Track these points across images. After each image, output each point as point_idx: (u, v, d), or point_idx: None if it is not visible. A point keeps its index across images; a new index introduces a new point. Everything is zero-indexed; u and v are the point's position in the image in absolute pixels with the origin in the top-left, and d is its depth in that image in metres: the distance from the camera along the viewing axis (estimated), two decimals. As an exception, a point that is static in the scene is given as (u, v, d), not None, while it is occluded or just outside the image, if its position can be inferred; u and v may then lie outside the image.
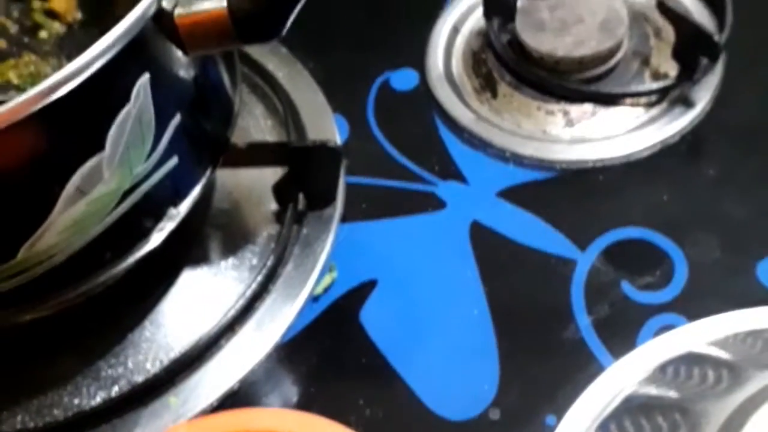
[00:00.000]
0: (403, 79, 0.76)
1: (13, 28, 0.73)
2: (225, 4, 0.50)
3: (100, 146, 0.48)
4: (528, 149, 0.69)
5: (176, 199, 0.57)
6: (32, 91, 0.43)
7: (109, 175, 0.50)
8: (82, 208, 0.50)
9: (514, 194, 0.67)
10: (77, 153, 0.48)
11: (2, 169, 0.46)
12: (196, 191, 0.58)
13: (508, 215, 0.66)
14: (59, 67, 0.69)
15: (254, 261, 0.64)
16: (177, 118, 0.53)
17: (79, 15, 0.72)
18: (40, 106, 0.44)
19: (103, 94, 0.47)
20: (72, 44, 0.71)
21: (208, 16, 0.50)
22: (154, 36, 0.49)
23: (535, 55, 0.72)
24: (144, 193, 0.53)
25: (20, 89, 0.57)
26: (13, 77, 0.66)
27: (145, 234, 0.56)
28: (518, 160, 0.69)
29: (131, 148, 0.50)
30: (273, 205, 0.67)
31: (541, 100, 0.72)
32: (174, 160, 0.54)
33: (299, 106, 0.73)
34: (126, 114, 0.49)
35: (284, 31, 0.52)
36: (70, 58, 0.68)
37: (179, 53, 0.52)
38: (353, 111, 0.74)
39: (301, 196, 0.66)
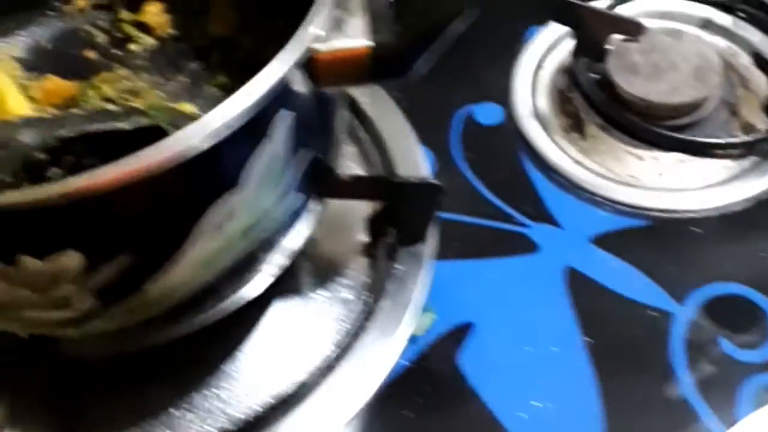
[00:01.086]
0: (488, 114, 0.75)
1: (102, 39, 0.71)
2: (369, 42, 0.49)
3: (235, 182, 0.47)
4: (620, 195, 0.68)
5: (290, 233, 0.55)
6: (180, 143, 0.41)
7: (242, 211, 0.48)
8: (213, 244, 0.48)
9: (608, 241, 0.66)
10: (213, 189, 0.47)
11: (138, 205, 0.44)
12: (309, 224, 0.57)
13: (602, 262, 0.65)
14: (152, 82, 0.67)
15: (348, 295, 0.63)
16: (303, 151, 0.52)
17: (170, 30, 0.70)
18: (192, 155, 0.42)
19: (243, 133, 0.46)
20: (163, 59, 0.70)
21: (350, 53, 0.49)
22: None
23: (626, 98, 0.72)
24: (266, 229, 0.51)
25: (148, 115, 0.55)
26: (109, 91, 0.64)
27: (258, 268, 0.54)
28: (610, 205, 0.68)
29: (265, 183, 0.49)
30: (361, 236, 0.66)
31: (631, 145, 0.72)
32: (297, 194, 0.53)
33: (385, 136, 0.72)
34: (263, 150, 0.48)
35: (418, 68, 0.51)
36: (163, 73, 0.67)
37: (312, 88, 0.51)
38: (438, 143, 0.73)
39: (390, 230, 0.64)
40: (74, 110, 0.57)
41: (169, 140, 0.42)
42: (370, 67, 0.50)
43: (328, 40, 0.48)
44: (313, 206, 0.59)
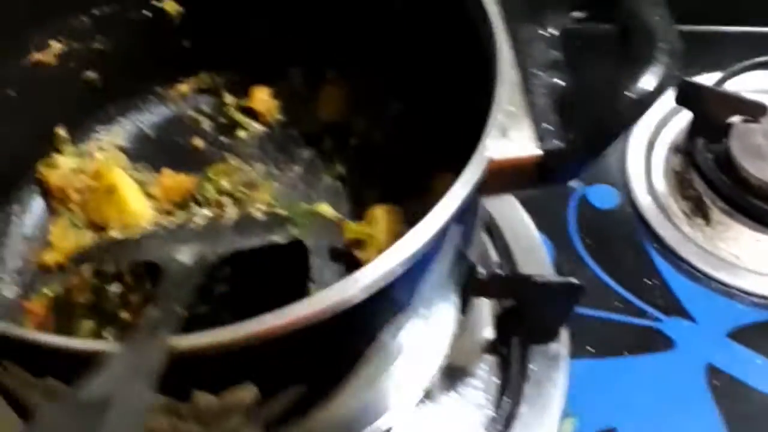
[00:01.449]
0: (602, 196, 0.73)
1: (207, 125, 0.69)
2: (539, 150, 0.46)
3: (405, 305, 0.44)
4: (753, 285, 0.66)
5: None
6: (366, 279, 0.39)
7: (409, 330, 0.45)
8: (377, 366, 0.45)
9: (746, 335, 0.63)
10: (386, 316, 0.44)
11: (316, 338, 0.41)
12: (450, 327, 0.54)
13: (742, 358, 0.62)
14: (266, 173, 0.65)
15: (479, 398, 0.59)
16: (462, 261, 0.49)
17: (278, 115, 0.68)
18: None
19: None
20: (273, 146, 0.67)
21: (519, 162, 0.46)
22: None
23: (753, 182, 0.69)
24: (426, 340, 0.49)
25: (292, 221, 0.52)
26: (225, 184, 0.61)
27: (407, 381, 0.51)
28: (745, 297, 0.65)
29: (431, 299, 0.46)
30: (487, 333, 0.62)
31: (759, 231, 0.69)
32: (453, 298, 0.50)
33: (500, 224, 0.69)
34: (433, 267, 0.45)
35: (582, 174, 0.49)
36: (276, 162, 0.64)
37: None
38: (555, 229, 0.70)
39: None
40: (223, 221, 0.54)
41: (358, 278, 0.39)
42: (536, 174, 0.48)
43: (497, 149, 0.46)
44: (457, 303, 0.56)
